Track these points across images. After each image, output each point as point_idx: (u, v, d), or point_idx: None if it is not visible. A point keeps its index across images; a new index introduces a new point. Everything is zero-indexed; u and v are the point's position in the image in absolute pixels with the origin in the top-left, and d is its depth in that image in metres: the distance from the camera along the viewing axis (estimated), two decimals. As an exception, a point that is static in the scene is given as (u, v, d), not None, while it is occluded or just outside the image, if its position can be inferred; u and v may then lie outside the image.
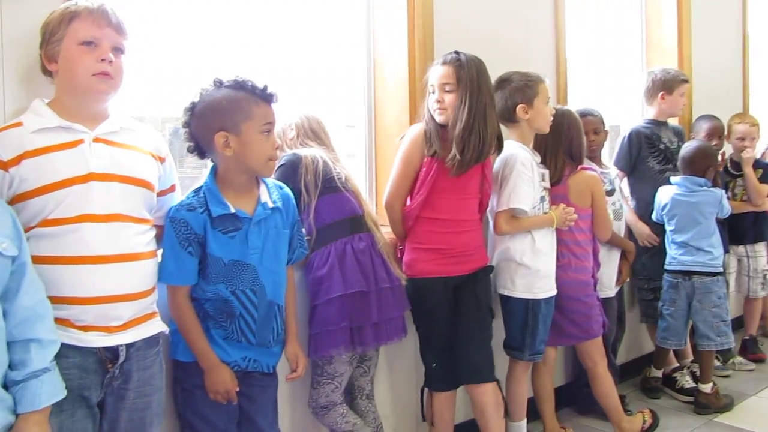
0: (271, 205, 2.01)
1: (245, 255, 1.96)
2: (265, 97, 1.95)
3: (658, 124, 3.71)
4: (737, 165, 4.04)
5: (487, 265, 2.61)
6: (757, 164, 4.05)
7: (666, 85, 3.68)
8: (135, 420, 1.82)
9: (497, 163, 2.68)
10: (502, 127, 2.58)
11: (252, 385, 2.07)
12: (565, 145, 2.86)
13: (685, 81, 3.77)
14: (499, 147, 2.55)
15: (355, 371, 2.44)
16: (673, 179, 3.51)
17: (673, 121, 3.92)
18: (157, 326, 1.88)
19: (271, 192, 2.05)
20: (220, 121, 1.91)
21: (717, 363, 3.84)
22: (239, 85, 1.93)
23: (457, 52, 2.43)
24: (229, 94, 1.92)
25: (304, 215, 2.31)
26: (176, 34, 2.52)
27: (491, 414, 2.54)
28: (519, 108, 2.65)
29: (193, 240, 1.92)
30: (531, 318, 2.71)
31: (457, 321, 2.50)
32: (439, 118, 2.43)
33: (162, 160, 1.93)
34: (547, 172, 2.80)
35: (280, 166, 2.32)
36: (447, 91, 2.40)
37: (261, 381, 2.10)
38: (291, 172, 2.29)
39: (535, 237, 2.69)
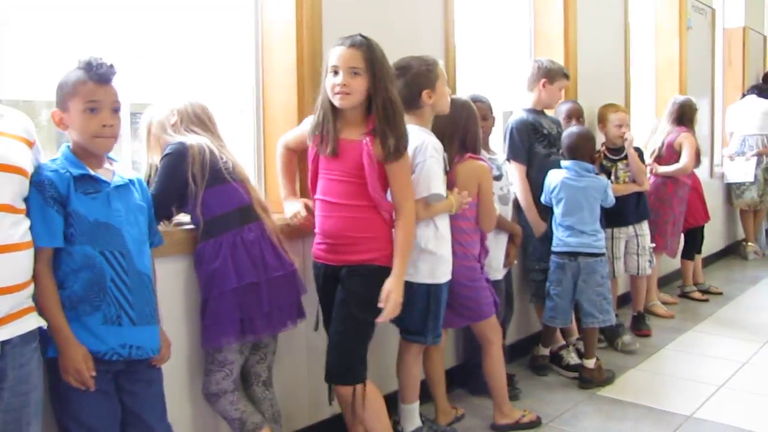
0: (126, 177, 2.03)
1: (109, 216, 1.93)
2: (92, 76, 1.90)
3: (537, 112, 3.80)
4: (614, 151, 4.26)
5: (362, 265, 2.40)
6: (632, 148, 4.30)
7: (549, 74, 3.77)
8: (10, 421, 1.72)
9: (409, 150, 2.55)
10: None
11: (136, 381, 2.02)
12: (461, 135, 2.90)
13: (567, 77, 3.87)
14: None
15: (250, 358, 2.43)
16: (563, 163, 3.64)
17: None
18: (34, 321, 1.79)
19: (120, 171, 2.06)
20: (58, 98, 1.94)
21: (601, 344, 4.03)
22: (82, 65, 1.92)
23: (362, 36, 2.36)
24: (69, 74, 1.93)
25: (191, 206, 2.26)
26: (62, 20, 2.43)
27: (348, 414, 2.55)
28: (424, 93, 2.65)
29: (57, 199, 1.86)
30: (433, 302, 2.74)
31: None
32: (339, 103, 2.33)
33: (32, 144, 1.86)
34: (446, 156, 2.83)
35: (165, 155, 2.26)
36: (355, 75, 2.31)
37: (145, 375, 2.04)
38: (177, 161, 2.23)
39: (438, 223, 2.72)
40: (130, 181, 2.05)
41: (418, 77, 2.64)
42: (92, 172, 1.94)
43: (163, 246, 2.21)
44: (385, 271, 2.39)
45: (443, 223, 2.74)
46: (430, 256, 2.69)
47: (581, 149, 3.62)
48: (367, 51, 2.32)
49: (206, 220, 2.27)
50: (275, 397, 2.52)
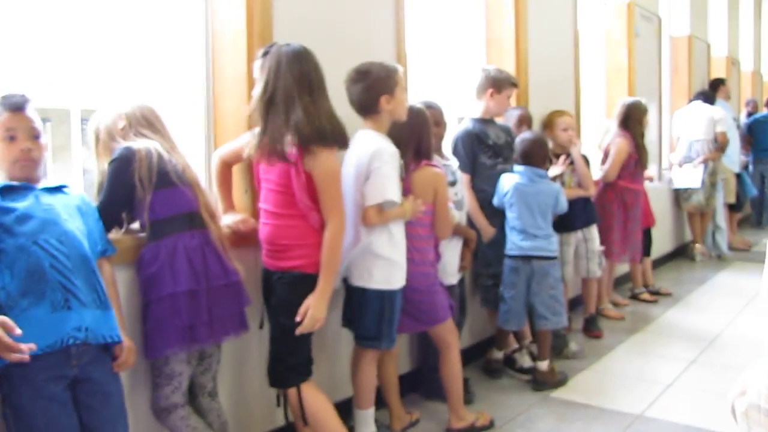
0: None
1: (38, 209, 1.98)
2: (6, 106, 2.02)
3: (484, 121, 3.81)
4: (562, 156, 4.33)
5: (289, 272, 2.44)
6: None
7: (496, 84, 3.77)
8: None
9: (365, 155, 2.65)
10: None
11: (93, 394, 1.99)
12: (415, 142, 2.93)
13: (514, 85, 3.87)
14: (327, 143, 2.39)
15: (195, 369, 2.40)
16: (516, 168, 3.70)
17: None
18: None
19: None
20: None
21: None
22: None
23: (273, 44, 2.44)
24: None
25: (139, 210, 2.25)
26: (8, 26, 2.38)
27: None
28: (383, 99, 2.67)
29: None
30: (388, 308, 2.76)
31: None
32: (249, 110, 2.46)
33: None
34: (402, 163, 2.85)
35: (112, 161, 2.25)
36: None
37: (103, 387, 2.02)
38: (124, 167, 2.23)
39: (393, 229, 2.74)
40: (62, 186, 2.12)
41: (377, 82, 2.67)
42: (17, 183, 2.00)
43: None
44: (312, 279, 2.43)
45: (398, 230, 2.76)
46: (384, 262, 2.71)
47: (535, 155, 3.69)
48: (263, 58, 2.45)
49: (151, 223, 2.25)
50: (221, 408, 2.50)
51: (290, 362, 2.49)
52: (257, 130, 2.42)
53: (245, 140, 2.59)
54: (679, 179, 6.90)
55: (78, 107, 2.59)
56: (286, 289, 2.44)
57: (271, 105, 2.38)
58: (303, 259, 2.44)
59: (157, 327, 2.23)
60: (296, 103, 2.35)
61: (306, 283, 2.42)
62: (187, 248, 2.27)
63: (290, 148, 2.35)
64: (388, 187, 2.63)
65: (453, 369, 3.11)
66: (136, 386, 2.37)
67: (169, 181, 2.27)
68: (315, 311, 2.40)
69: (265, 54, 2.44)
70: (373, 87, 2.67)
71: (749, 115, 8.99)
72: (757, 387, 1.20)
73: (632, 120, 5.02)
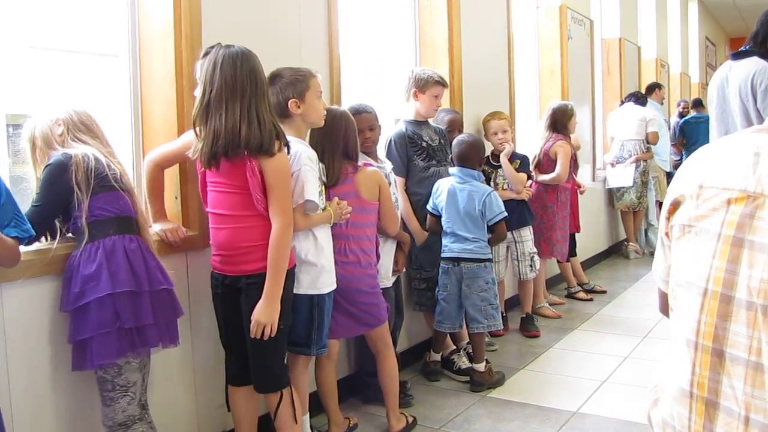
0: None
1: None
2: None
3: (418, 123, 3.81)
4: (496, 157, 4.40)
5: (260, 273, 2.41)
6: (514, 156, 4.44)
7: (419, 83, 3.76)
8: None
9: None
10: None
11: None
12: (342, 146, 2.91)
13: (441, 83, 3.82)
14: (281, 141, 2.40)
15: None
16: (450, 170, 3.71)
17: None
18: None
19: None
20: None
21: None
22: None
23: (215, 45, 2.38)
24: None
25: (76, 215, 2.17)
26: None
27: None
28: (291, 102, 2.65)
29: None
30: (317, 313, 2.73)
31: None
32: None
33: None
34: (323, 166, 2.83)
35: (47, 166, 2.17)
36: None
37: None
38: (59, 172, 2.15)
39: (317, 234, 2.71)
40: None
41: (286, 86, 2.65)
42: None
43: (34, 266, 2.13)
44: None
45: (322, 234, 2.74)
46: (310, 267, 2.68)
47: (470, 157, 3.71)
48: (201, 59, 2.40)
49: (88, 223, 2.17)
50: (152, 419, 2.39)
51: (280, 360, 2.52)
52: (202, 133, 2.36)
53: (181, 143, 2.55)
54: (612, 178, 7.06)
55: (2, 112, 2.49)
56: (260, 292, 2.39)
57: (211, 107, 2.33)
58: (263, 260, 2.42)
59: (99, 330, 2.12)
60: (238, 105, 2.32)
61: None
62: (126, 249, 2.20)
63: (240, 149, 2.31)
64: (307, 188, 2.60)
65: (394, 369, 3.11)
66: (78, 405, 2.28)
67: (108, 185, 2.21)
68: (260, 316, 2.35)
69: (206, 55, 2.39)
70: (282, 90, 2.64)
71: (681, 115, 9.28)
72: (670, 408, 1.21)
73: (559, 124, 5.14)
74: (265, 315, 2.36)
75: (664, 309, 1.33)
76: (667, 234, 1.25)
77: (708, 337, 1.12)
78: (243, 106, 2.32)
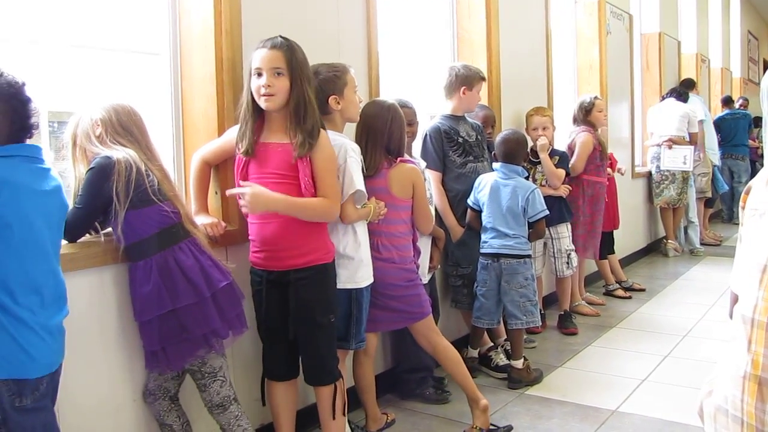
0: None
1: None
2: None
3: (455, 118, 3.80)
4: (536, 153, 4.36)
5: (308, 267, 2.46)
6: (553, 152, 4.40)
7: (467, 81, 3.76)
8: None
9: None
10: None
11: None
12: (385, 139, 2.91)
13: (484, 79, 3.87)
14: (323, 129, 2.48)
15: (166, 374, 2.38)
16: (494, 165, 3.70)
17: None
18: None
19: None
20: None
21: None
22: None
23: (282, 37, 2.40)
24: None
25: (113, 223, 2.19)
26: None
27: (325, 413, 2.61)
28: (331, 99, 2.66)
29: None
30: (355, 307, 2.74)
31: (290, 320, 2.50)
32: (265, 105, 2.39)
33: None
34: (362, 159, 2.84)
35: (90, 169, 2.18)
36: (278, 75, 2.36)
37: None
38: (103, 177, 2.15)
39: (356, 228, 2.73)
40: None
41: (325, 83, 2.66)
42: None
43: (79, 258, 2.18)
44: (328, 267, 2.51)
45: (361, 229, 2.76)
46: (349, 261, 2.69)
47: (514, 153, 3.69)
48: (288, 51, 2.38)
49: (132, 242, 2.21)
50: (182, 408, 2.49)
51: (333, 352, 2.58)
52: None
53: (227, 138, 2.58)
54: (668, 160, 6.85)
55: (45, 109, 2.53)
56: (311, 288, 2.46)
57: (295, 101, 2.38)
58: (317, 252, 2.48)
59: (171, 343, 2.24)
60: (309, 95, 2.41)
61: (326, 273, 2.51)
62: (179, 262, 2.24)
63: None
64: (356, 178, 2.63)
65: (455, 354, 3.10)
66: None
67: (146, 198, 2.20)
68: (257, 196, 2.33)
69: (275, 47, 2.38)
70: (321, 88, 2.64)
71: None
72: (724, 391, 1.19)
73: (578, 117, 5.09)
74: (260, 202, 2.34)
75: (732, 313, 1.31)
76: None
77: (765, 312, 1.11)
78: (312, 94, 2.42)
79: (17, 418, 1.79)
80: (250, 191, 2.32)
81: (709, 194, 7.81)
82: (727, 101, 9.02)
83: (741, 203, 1.25)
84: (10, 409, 1.77)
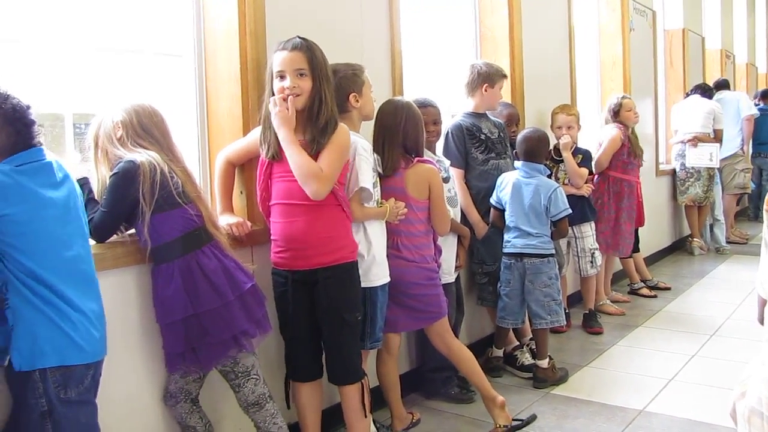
0: None
1: None
2: None
3: (477, 116, 3.78)
4: (558, 152, 4.33)
5: (336, 265, 2.47)
6: (577, 150, 4.37)
7: (488, 79, 3.75)
8: None
9: None
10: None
11: None
12: (401, 138, 2.90)
13: (505, 76, 3.87)
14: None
15: (188, 377, 2.38)
16: (516, 164, 3.67)
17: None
18: None
19: None
20: None
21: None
22: None
23: (301, 38, 2.42)
24: None
25: (139, 226, 2.20)
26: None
27: (352, 413, 2.61)
28: (351, 97, 2.68)
29: None
30: (369, 306, 2.73)
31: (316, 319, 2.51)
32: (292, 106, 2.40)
33: None
34: (378, 158, 2.85)
35: (114, 174, 2.18)
36: (301, 76, 2.39)
37: None
38: (128, 181, 2.15)
39: (367, 227, 2.72)
40: None
41: (345, 81, 2.67)
42: None
43: (105, 259, 2.19)
44: (354, 265, 2.54)
45: (373, 227, 2.75)
46: (361, 260, 2.67)
47: (537, 152, 3.66)
48: (309, 52, 2.40)
49: (157, 245, 2.21)
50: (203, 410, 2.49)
51: (358, 351, 2.62)
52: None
53: (252, 138, 2.59)
54: (693, 157, 6.77)
55: (71, 111, 2.55)
56: (340, 286, 2.48)
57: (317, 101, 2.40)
58: (344, 249, 2.50)
59: (192, 347, 2.25)
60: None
61: (352, 271, 2.53)
62: (202, 266, 2.24)
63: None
64: (361, 176, 2.63)
65: (468, 355, 3.09)
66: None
67: (172, 201, 2.21)
68: (285, 117, 2.37)
69: (296, 48, 2.40)
70: (340, 85, 2.64)
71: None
72: (758, 393, 1.17)
73: (611, 114, 5.05)
74: (287, 122, 2.37)
75: (762, 317, 1.28)
76: None
77: None
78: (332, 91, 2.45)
79: (62, 410, 1.85)
80: (281, 112, 2.36)
81: (749, 190, 7.70)
82: (765, 95, 8.83)
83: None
84: (56, 400, 1.83)
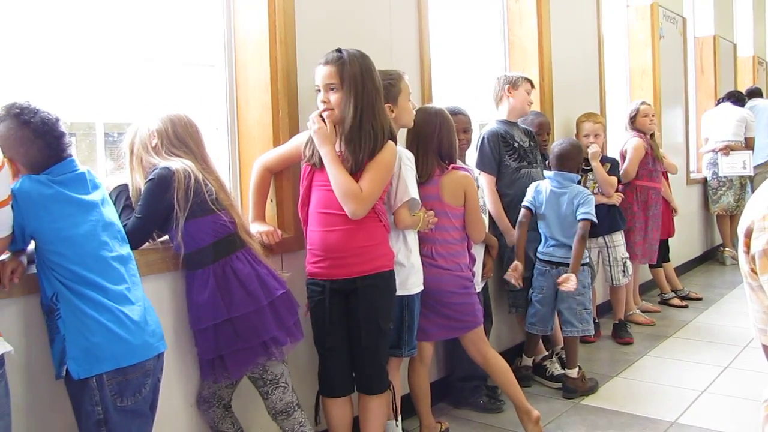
0: None
1: None
2: None
3: (510, 124, 3.79)
4: (587, 161, 4.29)
5: (375, 273, 2.47)
6: (604, 159, 4.34)
7: (511, 81, 3.78)
8: None
9: None
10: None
11: None
12: (435, 145, 2.90)
13: (529, 81, 3.85)
14: (392, 140, 2.49)
15: (220, 383, 2.39)
16: (546, 174, 3.65)
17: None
18: None
19: None
20: None
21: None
22: None
23: (339, 50, 2.41)
24: None
25: (173, 232, 2.22)
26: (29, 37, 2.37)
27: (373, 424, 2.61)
28: (386, 108, 2.66)
29: None
30: (407, 314, 2.73)
31: (351, 329, 2.51)
32: (326, 120, 2.41)
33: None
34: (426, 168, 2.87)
35: (150, 180, 2.21)
36: (332, 90, 2.39)
37: None
38: (163, 187, 2.18)
39: (407, 236, 2.73)
40: None
41: None
42: None
43: (140, 266, 2.19)
44: (392, 274, 2.55)
45: (411, 236, 2.76)
46: (400, 268, 2.68)
47: (568, 160, 3.63)
48: (340, 65, 2.38)
49: (191, 251, 2.24)
50: (235, 416, 2.50)
51: (387, 359, 2.62)
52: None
53: (292, 146, 2.61)
54: (726, 166, 6.68)
55: (102, 121, 2.59)
56: (379, 295, 2.48)
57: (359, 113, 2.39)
58: (383, 258, 2.51)
59: (223, 352, 2.26)
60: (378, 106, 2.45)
61: (390, 281, 2.54)
62: (236, 271, 2.26)
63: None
64: (410, 186, 2.63)
65: (504, 365, 3.07)
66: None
67: (206, 208, 2.23)
68: (324, 134, 2.39)
69: (328, 62, 2.40)
70: None
71: None
72: None
73: (630, 121, 4.98)
74: (328, 139, 2.39)
75: None
76: (753, 271, 1.17)
77: None
78: (382, 107, 2.47)
79: (116, 418, 1.88)
80: (320, 129, 2.39)
81: None
82: None
83: (743, 248, 1.17)
84: (112, 408, 1.86)
